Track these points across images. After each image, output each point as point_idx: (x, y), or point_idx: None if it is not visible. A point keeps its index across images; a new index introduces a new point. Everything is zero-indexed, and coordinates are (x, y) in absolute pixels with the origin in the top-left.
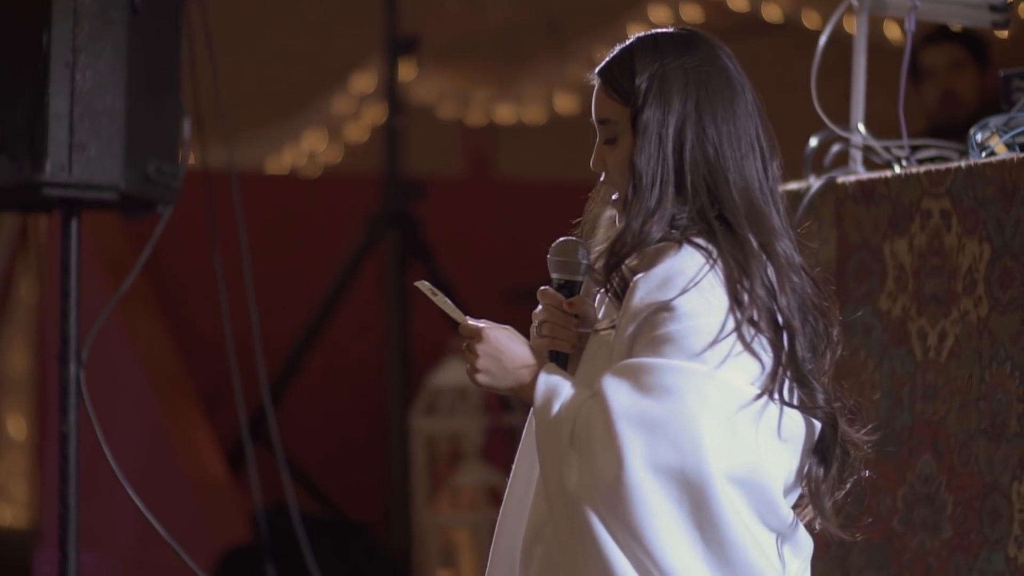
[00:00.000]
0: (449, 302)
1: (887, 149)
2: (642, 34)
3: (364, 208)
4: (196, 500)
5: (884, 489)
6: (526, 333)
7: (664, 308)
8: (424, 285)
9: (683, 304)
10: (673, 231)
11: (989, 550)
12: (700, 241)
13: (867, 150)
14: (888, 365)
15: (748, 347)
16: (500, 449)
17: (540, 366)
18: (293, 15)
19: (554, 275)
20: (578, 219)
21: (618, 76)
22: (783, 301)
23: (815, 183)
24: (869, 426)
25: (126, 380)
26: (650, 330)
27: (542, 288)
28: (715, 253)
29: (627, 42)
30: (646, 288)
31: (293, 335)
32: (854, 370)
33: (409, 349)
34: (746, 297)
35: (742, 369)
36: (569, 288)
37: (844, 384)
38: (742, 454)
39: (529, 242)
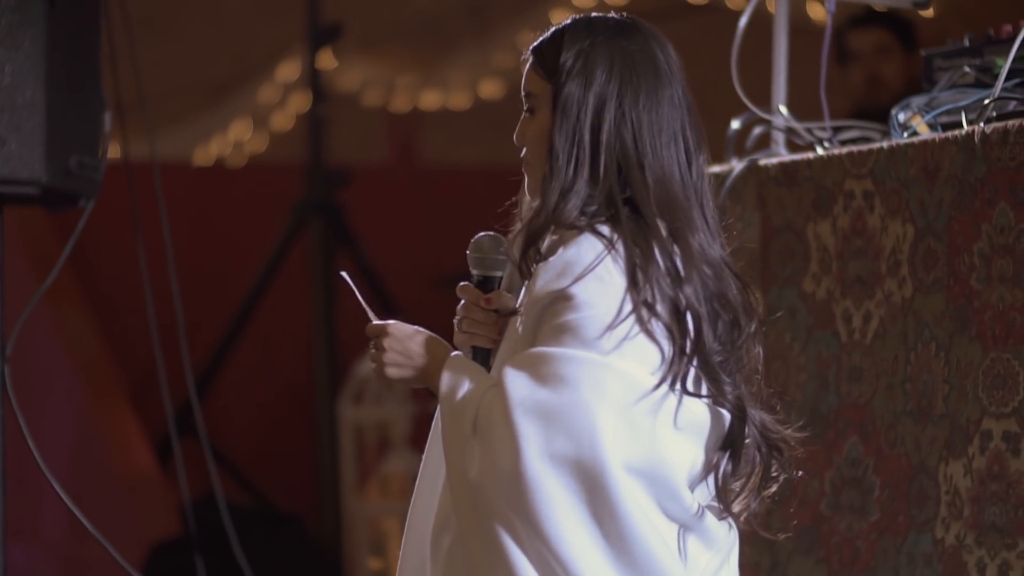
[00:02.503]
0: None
1: (809, 131)
2: (580, 16)
3: (290, 197)
4: (125, 493)
5: (811, 472)
6: (452, 319)
7: (562, 297)
8: (347, 277)
9: (580, 292)
10: (582, 217)
11: (917, 532)
12: (604, 229)
13: (789, 132)
14: (813, 347)
15: (646, 335)
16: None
17: (447, 356)
18: (217, 4)
19: (473, 271)
20: (506, 204)
21: (546, 52)
22: (688, 290)
23: (737, 166)
24: (799, 424)
25: (53, 373)
26: (550, 319)
27: (461, 284)
28: (616, 240)
29: (564, 22)
30: (545, 276)
31: (220, 326)
32: (780, 353)
33: (336, 338)
34: (645, 284)
35: (640, 358)
36: (487, 283)
37: (770, 367)
38: (640, 444)
39: (456, 229)
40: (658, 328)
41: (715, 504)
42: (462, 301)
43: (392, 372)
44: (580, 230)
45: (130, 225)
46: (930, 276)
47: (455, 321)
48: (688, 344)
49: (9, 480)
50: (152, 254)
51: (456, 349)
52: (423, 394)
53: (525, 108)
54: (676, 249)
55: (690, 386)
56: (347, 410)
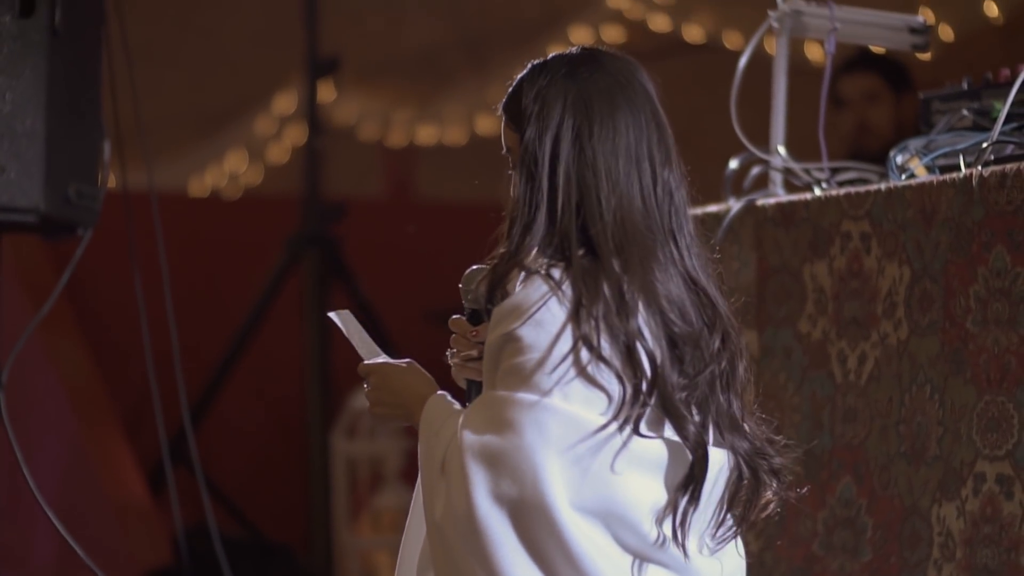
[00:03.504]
0: (359, 337)
1: (807, 171)
2: (537, 60)
3: (285, 229)
4: (117, 522)
5: (804, 512)
6: (446, 352)
7: (510, 339)
8: (342, 315)
9: (525, 335)
10: (541, 259)
11: (909, 573)
12: (555, 272)
13: (787, 172)
14: (808, 388)
15: (592, 377)
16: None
17: (429, 395)
18: (214, 35)
19: (465, 304)
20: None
21: (511, 105)
22: (635, 326)
23: (735, 205)
24: (798, 454)
25: (47, 402)
26: (503, 360)
27: (453, 317)
28: (563, 281)
29: (523, 71)
30: (496, 319)
31: (214, 356)
32: (774, 393)
33: (330, 371)
34: (589, 324)
35: (586, 399)
36: (478, 316)
37: (764, 407)
38: (588, 484)
39: (450, 264)
40: (603, 368)
41: (707, 539)
42: (454, 334)
43: (379, 411)
44: (533, 273)
45: (127, 254)
46: (926, 318)
47: (447, 353)
48: (644, 384)
49: (1, 507)
50: (147, 284)
51: (452, 385)
52: (416, 429)
53: (510, 165)
54: (635, 286)
55: (648, 425)
56: (340, 443)
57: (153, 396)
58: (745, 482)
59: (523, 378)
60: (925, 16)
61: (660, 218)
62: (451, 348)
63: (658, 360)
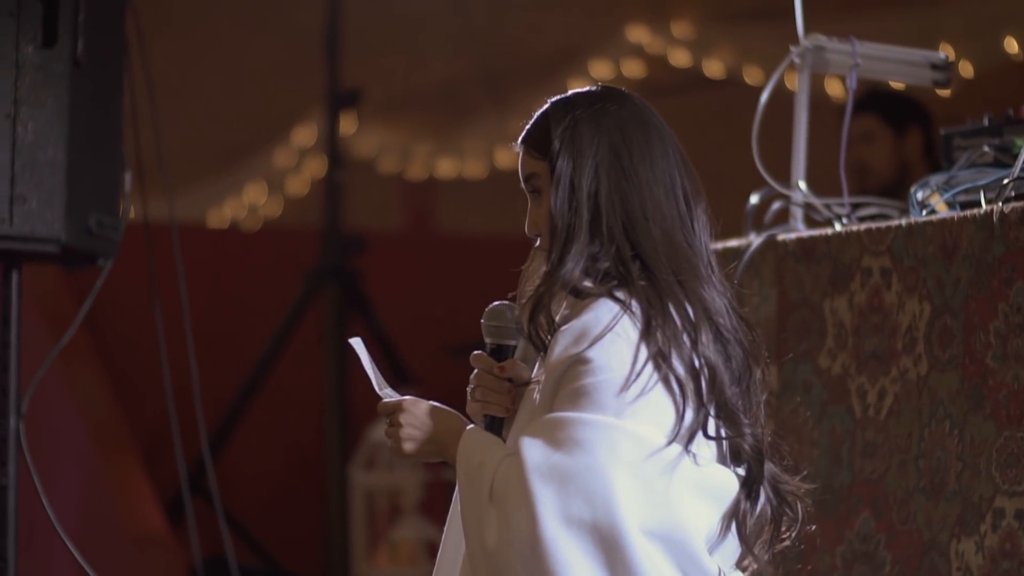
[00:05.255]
0: (372, 368)
1: (828, 207)
2: (558, 96)
3: (304, 262)
4: (135, 553)
5: (823, 546)
6: (465, 387)
7: (580, 361)
8: (358, 344)
9: (597, 356)
10: (591, 283)
11: None
12: (619, 293)
13: (808, 207)
14: (827, 423)
15: (662, 396)
16: (439, 504)
17: (463, 428)
18: (235, 68)
19: (487, 339)
20: (513, 274)
21: (535, 136)
22: (703, 344)
23: (755, 240)
24: (804, 472)
25: (66, 432)
26: (567, 383)
27: (475, 353)
28: (632, 303)
29: (544, 106)
30: (564, 342)
31: (233, 388)
32: (794, 428)
33: (348, 403)
34: (661, 346)
35: (655, 419)
36: (501, 352)
37: (784, 441)
38: (656, 507)
39: (469, 297)
40: (673, 386)
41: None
42: (475, 370)
43: (409, 447)
44: (597, 296)
45: (146, 285)
46: (946, 354)
47: (468, 389)
48: (704, 396)
49: (19, 537)
50: (166, 315)
51: (470, 420)
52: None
53: (529, 195)
54: (689, 304)
55: (711, 430)
56: (359, 475)
57: (172, 427)
58: (769, 505)
59: (593, 399)
60: (946, 52)
61: (696, 246)
62: (472, 383)
63: (718, 372)
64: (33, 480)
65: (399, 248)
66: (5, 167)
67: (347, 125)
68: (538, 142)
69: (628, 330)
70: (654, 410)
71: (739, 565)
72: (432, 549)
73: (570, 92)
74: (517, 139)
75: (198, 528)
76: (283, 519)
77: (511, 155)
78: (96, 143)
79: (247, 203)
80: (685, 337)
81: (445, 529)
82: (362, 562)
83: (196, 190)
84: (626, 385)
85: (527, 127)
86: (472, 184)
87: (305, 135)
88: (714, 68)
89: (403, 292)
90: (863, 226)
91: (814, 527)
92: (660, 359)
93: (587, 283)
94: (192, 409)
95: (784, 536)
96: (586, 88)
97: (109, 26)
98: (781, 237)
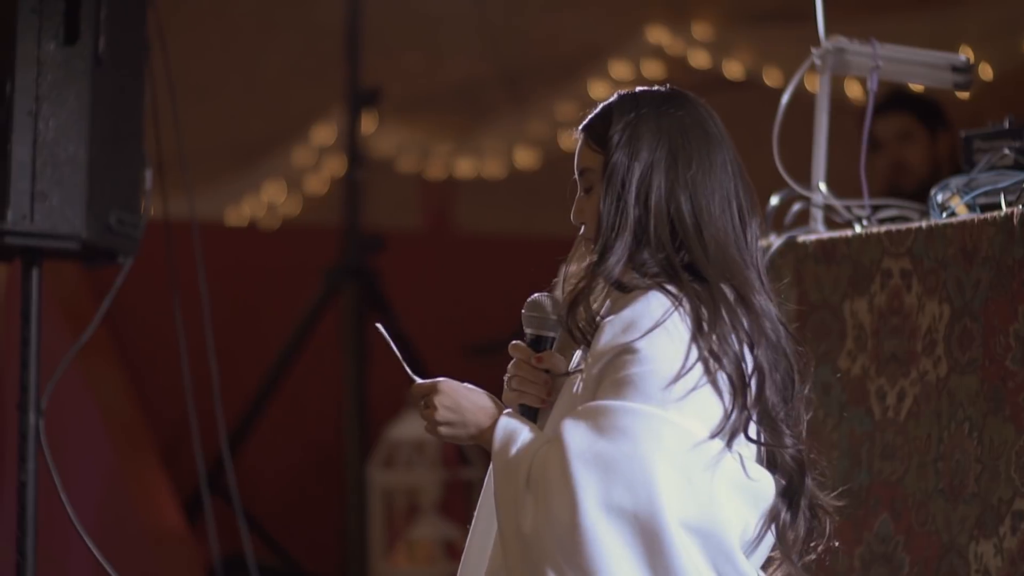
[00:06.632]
0: (400, 356)
1: (848, 208)
2: (627, 91)
3: (323, 261)
4: (153, 550)
5: (841, 548)
6: (484, 388)
7: (627, 351)
8: (382, 330)
9: (646, 347)
10: (643, 278)
11: None
12: (670, 287)
13: (828, 209)
14: (847, 424)
15: (709, 392)
16: (457, 503)
17: (499, 413)
18: (254, 66)
19: (526, 329)
20: (540, 271)
21: (597, 128)
22: (758, 349)
23: (776, 241)
24: (837, 491)
25: (85, 429)
26: (613, 372)
27: (513, 342)
28: (683, 297)
29: (611, 98)
30: (612, 331)
31: (252, 386)
32: (813, 429)
33: (367, 402)
34: (711, 342)
35: (701, 414)
36: (540, 343)
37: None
38: (696, 500)
39: (488, 297)
40: (720, 384)
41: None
42: (513, 359)
43: (444, 430)
44: (647, 288)
45: (166, 283)
46: (965, 356)
47: (505, 379)
48: (749, 399)
49: (38, 533)
50: (185, 313)
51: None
52: (453, 460)
53: (581, 186)
54: (741, 310)
55: (752, 435)
56: (377, 474)
57: (192, 425)
58: (803, 518)
59: (640, 389)
60: (965, 54)
61: (748, 260)
62: (509, 373)
63: (765, 376)
64: (52, 477)
65: (418, 248)
66: (26, 164)
67: (367, 124)
68: (598, 133)
69: (679, 326)
70: (699, 407)
71: (764, 570)
72: (450, 548)
73: (638, 88)
74: (575, 128)
75: (216, 526)
76: (301, 517)
77: (530, 155)
78: (117, 140)
79: (266, 202)
80: (734, 338)
81: (475, 516)
82: (380, 561)
83: (215, 188)
84: (674, 380)
85: (589, 116)
86: (491, 184)
87: (324, 134)
88: (734, 69)
89: (421, 292)
90: (883, 228)
91: (837, 544)
92: (710, 360)
93: (633, 277)
94: (211, 407)
95: (812, 549)
96: (655, 87)
97: (130, 24)
98: (801, 239)
